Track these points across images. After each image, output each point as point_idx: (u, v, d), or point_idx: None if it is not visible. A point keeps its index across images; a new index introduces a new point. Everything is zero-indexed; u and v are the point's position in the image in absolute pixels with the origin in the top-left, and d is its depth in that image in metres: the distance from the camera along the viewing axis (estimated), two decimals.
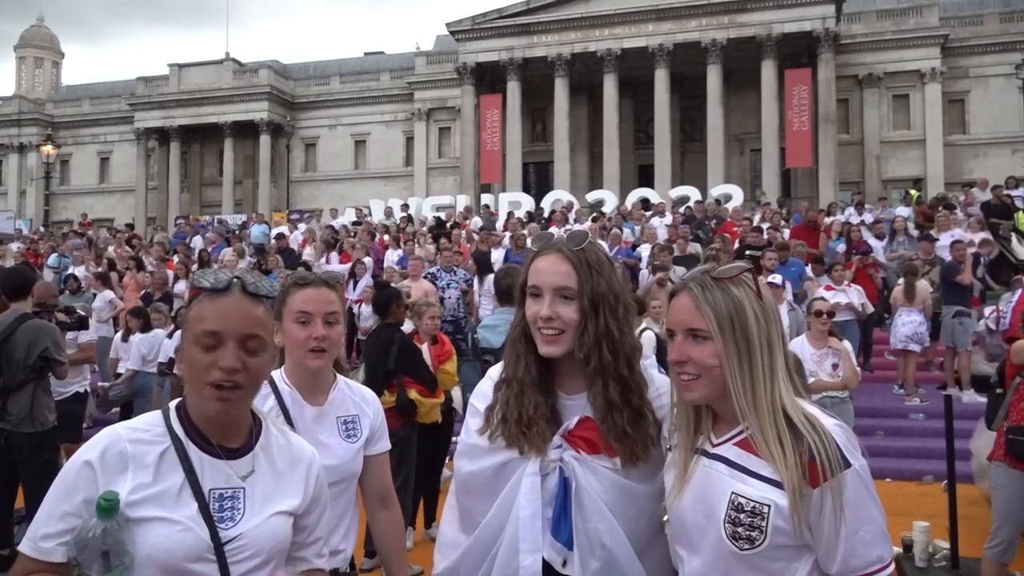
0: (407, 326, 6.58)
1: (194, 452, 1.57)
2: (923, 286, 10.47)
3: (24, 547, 1.51)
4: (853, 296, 10.13)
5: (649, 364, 1.88)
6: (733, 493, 1.55)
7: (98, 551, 1.44)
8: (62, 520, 1.49)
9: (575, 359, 1.78)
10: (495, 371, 1.92)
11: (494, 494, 1.79)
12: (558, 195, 23.49)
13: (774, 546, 1.52)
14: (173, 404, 1.65)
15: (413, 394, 5.84)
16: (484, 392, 1.90)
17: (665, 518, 1.72)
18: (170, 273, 13.49)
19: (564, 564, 1.70)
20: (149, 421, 1.61)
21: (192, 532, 1.51)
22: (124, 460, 1.52)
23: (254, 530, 1.58)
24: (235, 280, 1.61)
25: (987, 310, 9.91)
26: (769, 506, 1.51)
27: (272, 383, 2.33)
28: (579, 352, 1.75)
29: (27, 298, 5.64)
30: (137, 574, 1.48)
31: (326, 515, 1.79)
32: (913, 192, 20.09)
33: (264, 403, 2.23)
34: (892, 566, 1.55)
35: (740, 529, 1.53)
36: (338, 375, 2.48)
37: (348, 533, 2.42)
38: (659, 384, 1.84)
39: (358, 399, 2.48)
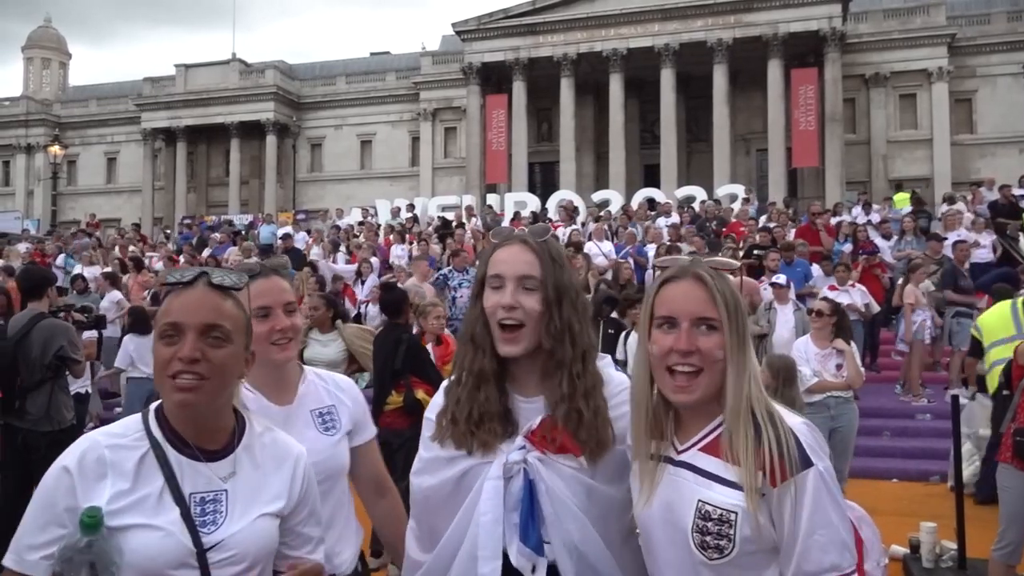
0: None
1: (173, 455, 1.53)
2: (923, 287, 10.45)
3: (8, 560, 1.47)
4: (856, 296, 10.10)
5: (605, 363, 1.84)
6: (700, 501, 1.50)
7: (84, 564, 1.41)
8: (44, 530, 1.45)
9: (534, 360, 1.73)
10: (447, 381, 1.87)
11: (453, 507, 1.73)
12: (564, 195, 23.48)
13: (744, 553, 1.47)
14: (152, 407, 1.61)
15: (420, 394, 5.85)
16: (438, 403, 1.84)
17: (637, 529, 1.67)
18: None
19: (533, 570, 1.64)
20: (127, 426, 1.58)
21: (173, 538, 1.47)
22: (103, 466, 1.49)
23: (238, 534, 1.53)
24: (201, 274, 1.58)
25: None
26: (736, 513, 1.47)
27: None
28: (546, 341, 1.70)
29: (43, 298, 5.70)
30: None
31: (317, 514, 1.73)
32: (902, 195, 19.82)
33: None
34: None
35: (708, 538, 1.48)
36: (305, 367, 2.32)
37: (344, 535, 2.25)
38: (617, 382, 1.79)
39: (332, 388, 2.29)
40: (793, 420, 1.53)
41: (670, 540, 1.54)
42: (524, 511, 1.65)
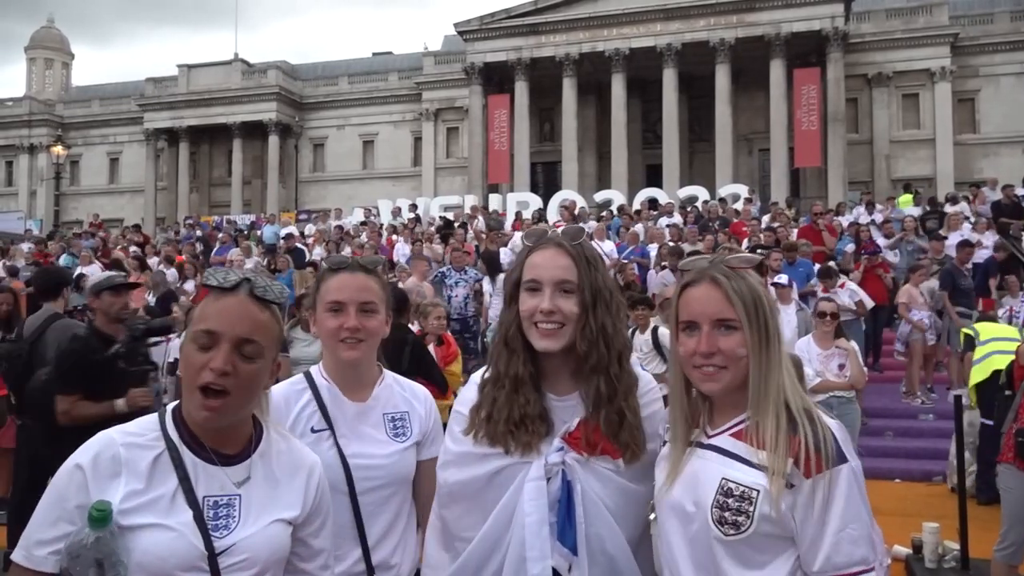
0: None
1: (188, 457, 1.51)
2: (925, 287, 10.44)
3: (17, 555, 1.45)
4: (844, 297, 10.00)
5: (633, 362, 1.86)
6: (723, 478, 1.55)
7: (91, 561, 1.39)
8: (54, 526, 1.43)
9: (566, 359, 1.75)
10: (478, 375, 1.87)
11: (482, 505, 1.74)
12: (566, 195, 23.48)
13: (759, 534, 1.51)
14: (170, 407, 1.58)
15: None
16: (469, 398, 1.84)
17: (652, 516, 1.72)
18: (173, 272, 13.58)
19: (569, 570, 1.66)
20: (144, 425, 1.55)
21: (185, 540, 1.46)
22: (117, 465, 1.47)
23: (249, 539, 1.51)
24: (244, 281, 1.55)
25: (1000, 311, 9.87)
26: (758, 491, 1.51)
27: (309, 378, 2.16)
28: (581, 345, 1.72)
29: (59, 299, 5.69)
30: None
31: (329, 526, 1.71)
32: (906, 197, 19.76)
33: (299, 399, 2.10)
34: (875, 573, 1.52)
35: (727, 514, 1.52)
36: (385, 370, 2.26)
37: (402, 545, 2.14)
38: (645, 381, 1.83)
39: (408, 395, 2.24)
40: (828, 419, 1.58)
41: (688, 518, 1.58)
42: (561, 512, 1.68)
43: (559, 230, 1.86)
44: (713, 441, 1.63)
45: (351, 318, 2.07)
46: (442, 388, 6.00)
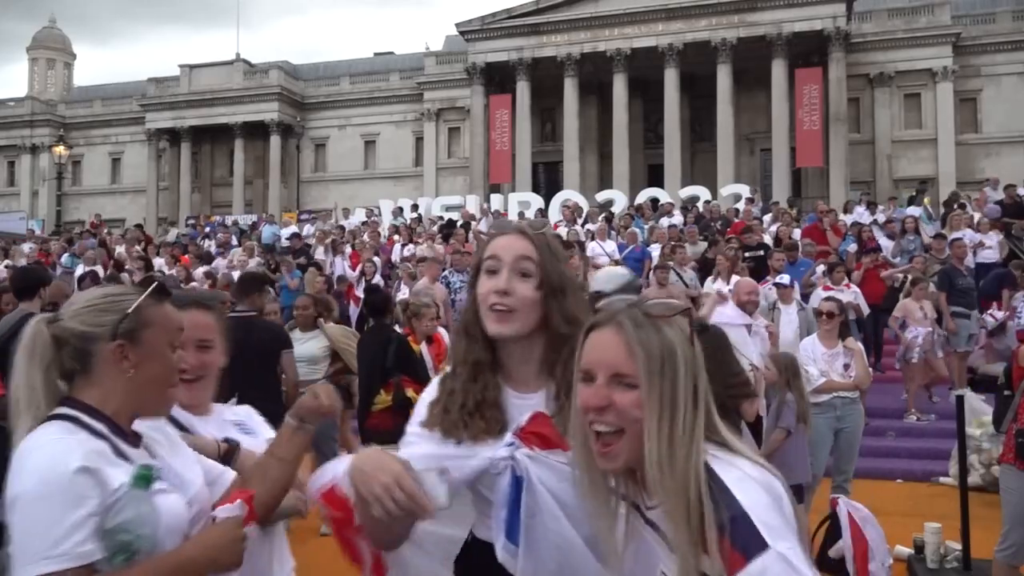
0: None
1: (123, 446, 1.58)
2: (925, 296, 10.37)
3: (55, 564, 1.39)
4: (848, 297, 9.99)
5: None
6: (661, 571, 1.35)
7: (134, 531, 1.45)
8: (82, 527, 1.42)
9: (529, 351, 1.70)
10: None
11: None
12: (567, 195, 23.48)
13: None
14: (66, 411, 1.56)
15: (410, 392, 5.82)
16: (431, 393, 1.81)
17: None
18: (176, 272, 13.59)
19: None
20: (73, 434, 1.53)
21: (181, 499, 1.60)
22: (103, 456, 1.51)
23: (194, 498, 1.66)
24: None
25: (999, 313, 9.84)
26: None
27: None
28: (561, 326, 1.66)
29: (35, 298, 5.56)
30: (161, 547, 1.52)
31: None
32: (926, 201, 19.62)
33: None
34: None
35: None
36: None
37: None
38: None
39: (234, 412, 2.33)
40: (749, 493, 1.28)
41: None
42: (511, 508, 1.61)
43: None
44: (652, 516, 1.39)
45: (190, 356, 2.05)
46: (427, 385, 5.97)
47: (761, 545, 1.22)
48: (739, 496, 1.27)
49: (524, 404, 1.70)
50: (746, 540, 1.23)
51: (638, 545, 1.41)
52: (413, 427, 1.78)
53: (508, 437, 1.65)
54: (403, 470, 1.48)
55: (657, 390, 1.32)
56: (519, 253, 1.69)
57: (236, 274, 12.92)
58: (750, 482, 1.30)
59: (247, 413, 2.37)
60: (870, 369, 6.70)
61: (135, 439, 1.63)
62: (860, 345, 6.72)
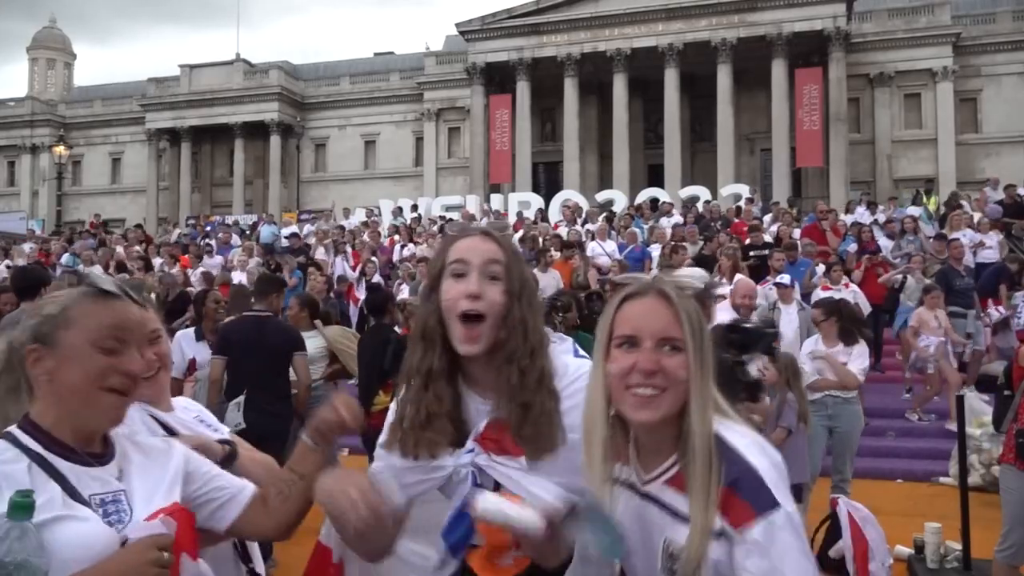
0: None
1: (61, 463, 1.44)
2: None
3: None
4: (848, 296, 9.99)
5: (564, 349, 1.76)
6: (666, 540, 1.41)
7: (14, 565, 1.27)
8: None
9: (491, 356, 1.64)
10: None
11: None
12: (567, 195, 23.48)
13: None
14: (12, 429, 1.48)
15: None
16: (392, 411, 1.76)
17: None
18: (177, 271, 13.59)
19: (442, 566, 1.64)
20: None
21: (100, 526, 1.41)
22: (8, 476, 1.38)
23: (148, 522, 1.48)
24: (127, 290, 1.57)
25: (1000, 310, 9.85)
26: (704, 557, 1.35)
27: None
28: (501, 334, 1.61)
29: (36, 298, 5.58)
30: None
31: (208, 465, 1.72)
32: (933, 200, 19.55)
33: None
34: None
35: None
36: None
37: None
38: (574, 368, 1.71)
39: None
40: (759, 457, 1.38)
41: (647, 571, 1.47)
42: (456, 510, 1.62)
43: (483, 223, 1.81)
44: (650, 490, 1.46)
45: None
46: None
47: (772, 503, 1.32)
48: (749, 458, 1.37)
49: (487, 409, 1.67)
50: (756, 496, 1.33)
51: (632, 523, 1.46)
52: (379, 448, 1.75)
53: (469, 443, 1.64)
54: (366, 482, 1.52)
55: (699, 353, 1.43)
56: (488, 256, 1.64)
57: (236, 275, 12.94)
58: (757, 447, 1.40)
59: (198, 407, 2.26)
60: (862, 369, 6.60)
61: (92, 455, 1.50)
62: (863, 345, 6.68)
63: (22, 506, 1.29)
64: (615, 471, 1.51)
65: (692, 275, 1.61)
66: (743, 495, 1.33)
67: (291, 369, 5.78)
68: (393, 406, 1.74)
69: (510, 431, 1.61)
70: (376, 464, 1.74)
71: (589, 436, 1.49)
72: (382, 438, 1.73)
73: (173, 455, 1.65)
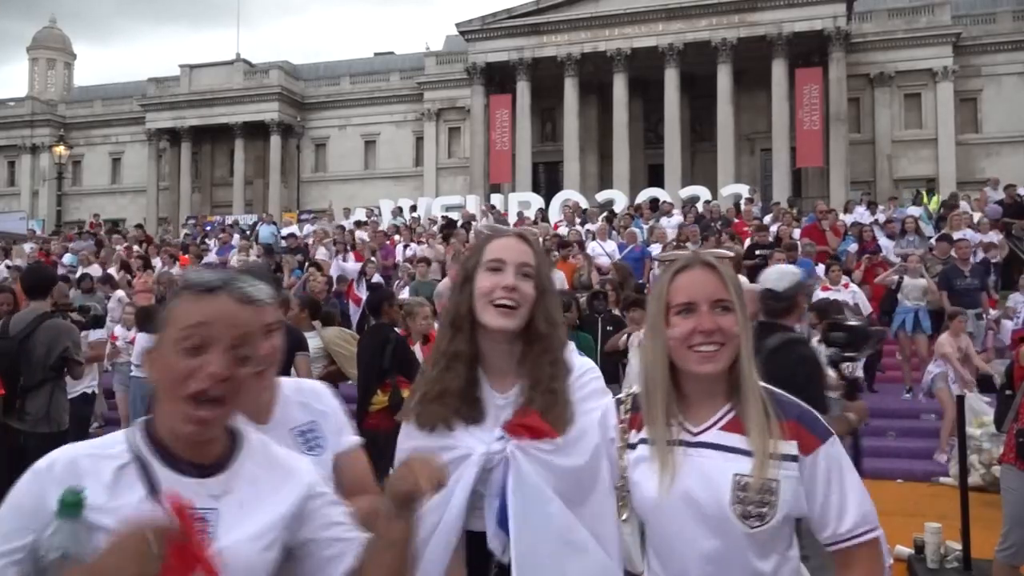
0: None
1: (159, 469, 1.37)
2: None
3: None
4: (847, 297, 9.99)
5: (568, 350, 1.93)
6: (736, 475, 1.61)
7: (60, 556, 1.24)
8: (8, 539, 1.30)
9: (511, 348, 1.85)
10: None
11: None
12: (567, 195, 23.48)
13: (781, 520, 1.60)
14: (139, 422, 1.45)
15: (406, 393, 5.79)
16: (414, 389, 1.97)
17: (624, 517, 1.77)
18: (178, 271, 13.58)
19: (504, 552, 1.76)
20: (111, 438, 1.43)
21: None
22: (75, 471, 1.34)
23: (223, 553, 1.34)
24: (229, 281, 1.44)
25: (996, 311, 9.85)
26: (778, 481, 1.60)
27: None
28: (542, 327, 1.83)
29: (47, 297, 5.58)
30: None
31: (334, 506, 1.54)
32: (935, 200, 19.50)
33: None
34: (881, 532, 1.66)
35: (750, 507, 1.59)
36: (282, 382, 1.99)
37: None
38: (578, 366, 1.92)
39: (307, 399, 2.00)
40: (799, 401, 1.72)
41: (700, 517, 1.63)
42: (503, 497, 1.76)
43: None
44: (705, 438, 1.68)
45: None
46: None
47: (828, 432, 1.67)
48: (797, 402, 1.71)
49: (500, 397, 1.85)
50: (817, 427, 1.66)
51: (691, 471, 1.65)
52: (401, 432, 1.92)
53: (497, 431, 1.80)
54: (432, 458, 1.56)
55: (743, 312, 1.69)
56: (522, 259, 1.84)
57: None
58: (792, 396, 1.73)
59: (316, 415, 1.98)
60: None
61: (198, 465, 1.40)
62: None
63: (69, 503, 1.26)
64: (673, 432, 1.71)
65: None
66: (808, 427, 1.65)
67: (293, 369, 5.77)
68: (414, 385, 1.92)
69: (544, 415, 1.79)
70: (402, 444, 1.89)
71: (651, 398, 1.72)
72: (404, 415, 1.89)
73: (295, 482, 1.49)
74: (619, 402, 1.84)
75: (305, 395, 2.01)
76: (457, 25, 36.23)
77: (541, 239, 13.44)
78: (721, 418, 1.68)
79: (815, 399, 3.49)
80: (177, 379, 1.36)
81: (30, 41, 53.77)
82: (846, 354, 3.93)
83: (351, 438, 2.04)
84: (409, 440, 1.87)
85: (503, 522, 1.75)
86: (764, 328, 3.92)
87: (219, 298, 1.41)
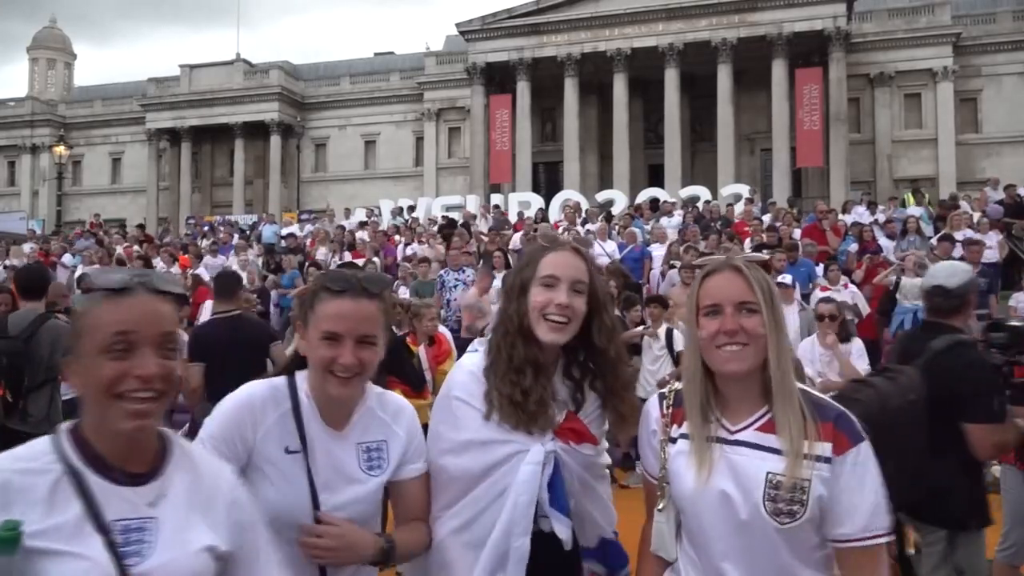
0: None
1: (93, 480, 1.34)
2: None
3: None
4: (847, 297, 9.98)
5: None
6: (770, 473, 1.68)
7: None
8: None
9: (556, 356, 1.99)
10: (470, 364, 2.03)
11: (487, 486, 1.93)
12: (568, 195, 23.47)
13: (810, 518, 1.67)
14: (65, 427, 1.41)
15: (397, 393, 5.72)
16: (465, 384, 2.01)
17: (660, 507, 1.88)
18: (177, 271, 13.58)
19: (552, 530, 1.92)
20: (36, 449, 1.37)
21: (100, 568, 1.29)
22: (7, 493, 1.29)
23: (168, 565, 1.34)
24: (136, 277, 1.42)
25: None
26: (810, 480, 1.66)
27: (292, 388, 1.89)
28: (598, 340, 1.95)
29: (42, 298, 5.55)
30: None
31: (268, 560, 1.54)
32: (921, 196, 19.56)
33: (277, 409, 1.85)
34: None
35: (781, 505, 1.67)
36: (369, 390, 1.99)
37: None
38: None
39: (388, 417, 1.98)
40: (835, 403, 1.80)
41: (732, 513, 1.71)
42: (558, 489, 1.92)
43: (571, 237, 2.03)
44: (741, 437, 1.76)
45: (347, 353, 1.80)
46: (416, 387, 5.87)
47: (861, 435, 1.72)
48: (834, 404, 1.78)
49: (556, 403, 1.99)
50: (851, 430, 1.72)
51: (727, 470, 1.74)
52: (459, 424, 1.98)
53: (549, 433, 1.95)
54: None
55: (772, 313, 1.75)
56: (576, 276, 1.94)
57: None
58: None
59: (389, 435, 1.97)
60: (864, 368, 6.60)
61: (131, 474, 1.39)
62: (856, 346, 6.67)
63: (5, 540, 1.22)
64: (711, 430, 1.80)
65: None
66: (842, 429, 1.71)
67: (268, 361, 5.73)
68: (470, 381, 1.98)
69: (612, 423, 2.02)
70: (452, 435, 1.98)
71: (689, 395, 1.82)
72: (475, 414, 1.95)
73: (223, 487, 1.50)
74: (662, 397, 1.93)
75: (387, 412, 2.00)
76: (457, 25, 36.23)
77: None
78: (759, 419, 1.76)
79: (988, 409, 3.33)
80: (109, 384, 1.34)
81: (30, 41, 53.81)
82: (1009, 356, 3.51)
83: (415, 468, 2.00)
84: (466, 435, 1.96)
85: (558, 507, 1.91)
86: (930, 328, 3.69)
87: (136, 297, 1.40)
